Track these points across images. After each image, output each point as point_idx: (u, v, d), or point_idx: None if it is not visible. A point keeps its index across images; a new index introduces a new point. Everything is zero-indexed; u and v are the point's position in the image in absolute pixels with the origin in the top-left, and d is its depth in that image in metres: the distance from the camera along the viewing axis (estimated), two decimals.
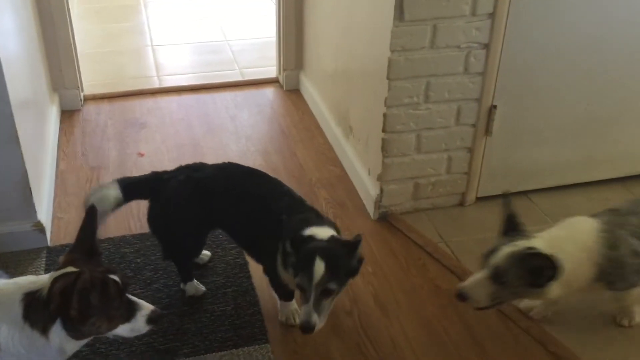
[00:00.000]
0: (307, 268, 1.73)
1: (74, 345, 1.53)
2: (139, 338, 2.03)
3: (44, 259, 2.36)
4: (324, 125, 3.30)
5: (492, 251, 1.83)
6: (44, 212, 2.48)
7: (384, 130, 2.46)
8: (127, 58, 4.19)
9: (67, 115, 3.39)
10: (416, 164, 2.56)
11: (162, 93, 3.70)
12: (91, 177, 2.90)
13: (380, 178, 2.56)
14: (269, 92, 3.76)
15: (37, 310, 1.44)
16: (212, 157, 3.09)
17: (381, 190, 2.59)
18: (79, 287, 1.41)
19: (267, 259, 2.00)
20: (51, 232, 2.50)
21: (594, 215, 1.96)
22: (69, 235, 2.50)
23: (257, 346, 2.04)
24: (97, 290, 1.46)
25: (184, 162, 2.97)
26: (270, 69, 3.89)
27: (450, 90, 2.42)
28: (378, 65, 2.39)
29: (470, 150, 2.58)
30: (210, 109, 3.55)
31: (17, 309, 1.45)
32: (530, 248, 1.78)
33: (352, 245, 1.78)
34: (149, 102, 3.60)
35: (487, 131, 2.55)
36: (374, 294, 2.27)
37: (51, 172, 2.82)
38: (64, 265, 1.51)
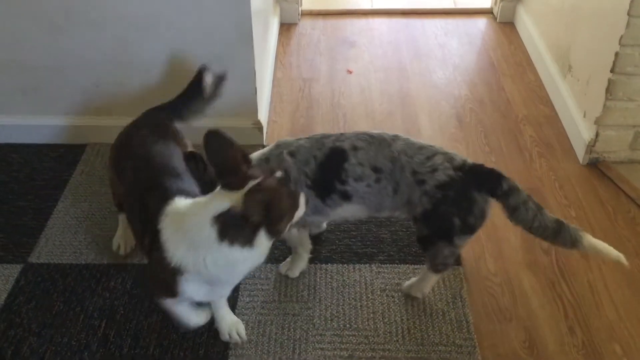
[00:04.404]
0: None
1: (268, 246, 1.54)
2: (339, 239, 2.20)
3: None
4: (537, 61, 3.15)
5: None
6: (263, 113, 2.69)
7: (612, 71, 2.30)
8: None
9: (285, 27, 3.58)
10: None
11: (374, 15, 3.75)
12: (303, 88, 3.07)
13: (597, 122, 2.42)
14: (481, 22, 3.65)
15: (236, 227, 1.44)
16: (417, 82, 3.12)
17: (596, 135, 2.45)
18: (275, 195, 1.46)
19: None
20: (266, 133, 2.72)
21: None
22: (281, 138, 2.69)
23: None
24: (286, 193, 1.51)
25: (390, 84, 3.09)
26: None
27: None
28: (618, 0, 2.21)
29: None
30: (419, 35, 3.54)
31: (211, 231, 1.45)
32: None
33: None
34: (361, 22, 3.67)
35: None
36: None
37: (269, 78, 3.03)
38: (239, 183, 1.47)
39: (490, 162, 2.56)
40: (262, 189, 1.46)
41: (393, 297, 2.00)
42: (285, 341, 1.87)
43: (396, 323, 1.92)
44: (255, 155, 1.85)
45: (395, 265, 2.10)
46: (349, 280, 2.06)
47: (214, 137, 1.50)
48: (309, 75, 3.17)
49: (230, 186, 1.48)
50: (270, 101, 2.94)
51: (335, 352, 1.84)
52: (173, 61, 2.42)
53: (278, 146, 1.87)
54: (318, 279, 2.06)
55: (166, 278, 1.56)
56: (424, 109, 2.91)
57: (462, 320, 1.93)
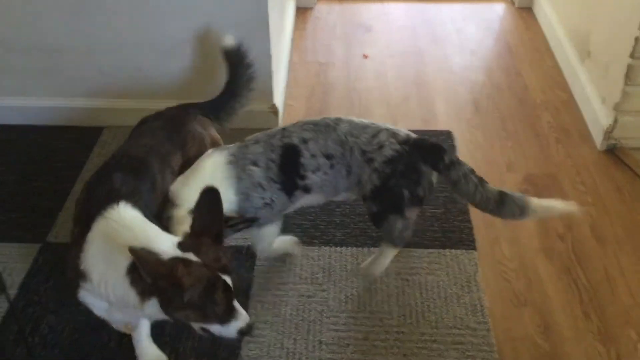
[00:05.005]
0: None
1: (161, 317, 1.47)
2: (355, 223, 2.20)
3: None
4: (556, 47, 3.12)
5: None
6: (279, 97, 2.69)
7: (632, 56, 2.27)
8: None
9: (301, 12, 3.57)
10: None
11: None
12: (319, 72, 3.07)
13: (616, 107, 2.40)
14: (499, 7, 3.62)
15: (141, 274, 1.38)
16: (434, 67, 3.11)
17: (615, 121, 2.42)
18: (189, 283, 1.35)
19: None
20: (282, 116, 2.72)
21: (229, 147, 1.83)
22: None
23: (463, 250, 2.10)
24: (204, 291, 1.38)
25: (406, 69, 3.07)
26: None
27: None
28: None
29: None
30: (436, 20, 3.51)
31: (125, 262, 1.41)
32: None
33: None
34: (377, 7, 3.65)
35: None
36: (591, 223, 2.19)
37: (285, 62, 3.03)
38: (189, 248, 1.42)
39: (507, 148, 2.55)
40: (175, 267, 1.36)
41: (407, 280, 2.00)
42: (300, 322, 1.88)
43: (410, 306, 1.92)
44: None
45: (410, 249, 2.10)
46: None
47: (210, 194, 1.47)
48: (325, 60, 3.16)
49: (183, 243, 1.44)
50: (286, 85, 2.94)
51: (350, 334, 1.85)
52: (188, 45, 2.43)
53: (233, 156, 1.81)
54: (333, 262, 2.07)
55: (72, 277, 1.53)
56: (440, 94, 2.90)
57: (477, 304, 1.93)
